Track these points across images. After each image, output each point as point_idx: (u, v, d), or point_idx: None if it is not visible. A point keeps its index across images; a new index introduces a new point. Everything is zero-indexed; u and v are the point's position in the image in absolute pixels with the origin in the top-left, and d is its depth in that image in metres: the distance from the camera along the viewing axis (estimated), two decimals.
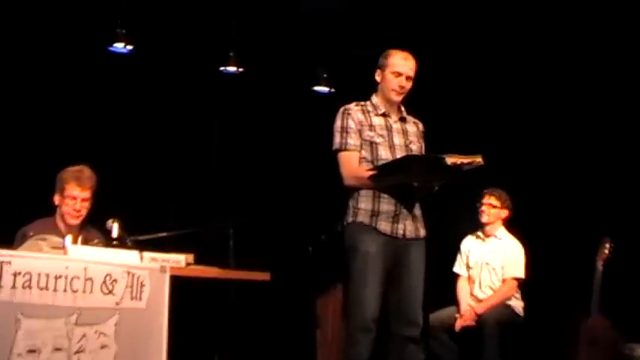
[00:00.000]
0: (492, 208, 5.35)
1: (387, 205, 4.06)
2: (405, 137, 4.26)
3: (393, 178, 4.01)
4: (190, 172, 6.48)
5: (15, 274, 3.45)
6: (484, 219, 5.35)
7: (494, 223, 5.38)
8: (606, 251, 5.08)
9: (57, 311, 3.57)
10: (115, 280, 3.77)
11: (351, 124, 4.16)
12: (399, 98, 4.21)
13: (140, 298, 3.85)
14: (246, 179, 6.44)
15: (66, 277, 3.61)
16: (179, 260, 4.12)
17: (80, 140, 5.75)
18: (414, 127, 4.34)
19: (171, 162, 6.35)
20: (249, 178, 6.48)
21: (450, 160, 3.85)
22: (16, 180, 5.69)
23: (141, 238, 4.56)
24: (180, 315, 4.00)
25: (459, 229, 5.55)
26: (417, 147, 4.26)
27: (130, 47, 5.89)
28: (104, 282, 3.74)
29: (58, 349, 3.56)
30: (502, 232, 5.40)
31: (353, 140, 4.12)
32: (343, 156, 4.13)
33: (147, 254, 4.03)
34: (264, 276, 4.43)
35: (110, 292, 3.75)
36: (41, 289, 3.52)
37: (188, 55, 6.14)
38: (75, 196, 4.46)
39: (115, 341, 3.73)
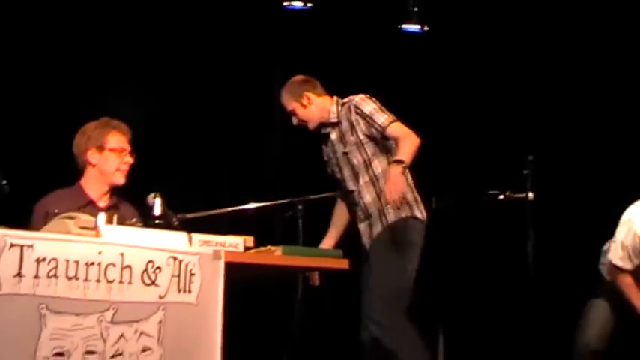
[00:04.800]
0: None
1: None
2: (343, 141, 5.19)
3: None
4: (249, 136, 6.73)
5: (38, 261, 3.55)
6: None
7: None
8: None
9: (89, 306, 3.66)
10: (159, 268, 3.85)
11: None
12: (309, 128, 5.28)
13: (189, 290, 3.93)
14: (316, 145, 6.39)
15: (99, 265, 3.70)
16: (236, 243, 4.18)
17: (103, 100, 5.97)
18: (344, 119, 5.19)
19: (226, 124, 6.64)
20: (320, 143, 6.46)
21: None
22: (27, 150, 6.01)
23: (189, 216, 4.67)
24: (237, 310, 4.09)
25: None
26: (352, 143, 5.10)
27: None
28: (145, 270, 3.83)
29: (90, 352, 3.65)
30: None
31: None
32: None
33: (197, 236, 4.08)
34: (341, 263, 4.45)
35: (153, 282, 3.84)
36: (70, 278, 3.63)
37: None
38: (123, 147, 4.71)
39: (159, 343, 3.83)
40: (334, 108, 5.08)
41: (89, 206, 4.64)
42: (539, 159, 5.27)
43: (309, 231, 5.13)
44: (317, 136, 5.47)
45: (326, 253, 4.63)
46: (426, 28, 6.72)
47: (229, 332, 4.03)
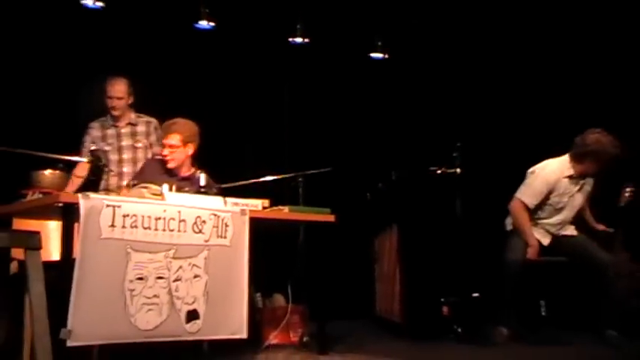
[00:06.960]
0: None
1: None
2: (134, 138, 5.31)
3: None
4: (267, 131, 6.80)
5: (124, 216, 3.77)
6: None
7: None
8: (627, 195, 5.33)
9: (158, 247, 3.87)
10: (204, 222, 3.99)
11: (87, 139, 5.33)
12: (115, 113, 5.31)
13: (225, 237, 4.06)
14: (313, 136, 6.67)
15: (164, 219, 3.88)
16: (257, 204, 4.30)
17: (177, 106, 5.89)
18: (143, 127, 5.32)
19: (251, 124, 6.67)
20: (316, 135, 6.66)
21: None
22: None
23: (224, 186, 4.75)
24: (259, 251, 4.17)
25: None
26: (143, 144, 5.26)
27: (212, 24, 6.32)
28: (195, 223, 3.96)
29: (160, 278, 3.85)
30: None
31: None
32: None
33: (229, 199, 4.19)
34: (329, 218, 4.57)
35: (200, 231, 3.98)
36: (145, 228, 3.81)
37: (258, 29, 6.53)
38: (164, 143, 4.77)
39: (205, 272, 3.99)
40: (133, 115, 5.41)
41: (169, 173, 4.79)
42: (464, 145, 5.48)
43: (308, 195, 5.15)
44: (314, 131, 5.42)
45: (319, 211, 4.65)
46: (387, 56, 6.73)
47: (253, 266, 4.14)
